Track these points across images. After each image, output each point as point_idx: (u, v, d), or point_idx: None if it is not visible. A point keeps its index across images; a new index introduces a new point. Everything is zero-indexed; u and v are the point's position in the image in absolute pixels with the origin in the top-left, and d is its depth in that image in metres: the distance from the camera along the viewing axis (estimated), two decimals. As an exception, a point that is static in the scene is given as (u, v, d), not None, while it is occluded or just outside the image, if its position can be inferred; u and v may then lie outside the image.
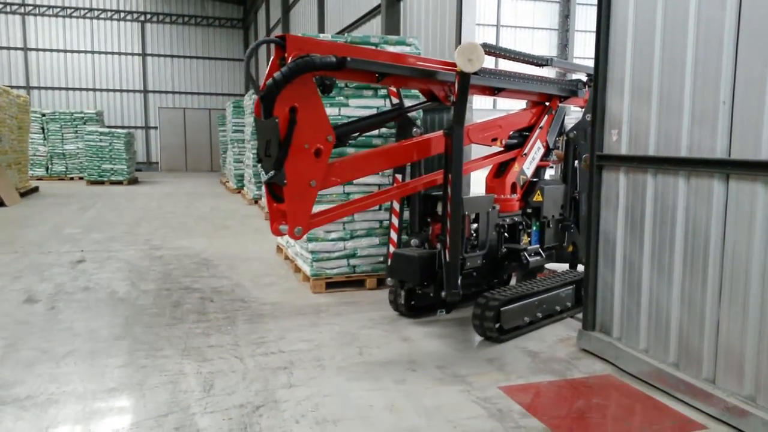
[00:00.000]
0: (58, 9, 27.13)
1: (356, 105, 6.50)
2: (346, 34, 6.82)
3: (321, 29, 14.92)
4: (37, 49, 27.01)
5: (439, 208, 5.20)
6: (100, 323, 5.35)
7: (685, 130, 3.80)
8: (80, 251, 8.70)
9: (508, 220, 5.68)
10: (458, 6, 7.16)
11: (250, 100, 14.68)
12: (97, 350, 4.65)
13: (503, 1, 27.83)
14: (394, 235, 6.25)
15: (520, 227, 5.81)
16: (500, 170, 5.95)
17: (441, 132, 5.05)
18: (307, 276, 6.66)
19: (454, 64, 4.74)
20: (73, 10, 27.34)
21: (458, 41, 7.13)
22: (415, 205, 5.56)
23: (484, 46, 4.94)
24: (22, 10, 26.59)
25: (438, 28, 7.78)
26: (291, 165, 4.07)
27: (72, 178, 22.39)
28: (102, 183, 20.30)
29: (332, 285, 6.56)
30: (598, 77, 4.51)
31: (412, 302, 5.62)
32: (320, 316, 5.62)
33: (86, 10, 27.53)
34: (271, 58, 4.15)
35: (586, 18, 28.08)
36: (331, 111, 6.44)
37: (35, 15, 26.85)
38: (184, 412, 3.60)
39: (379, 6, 10.05)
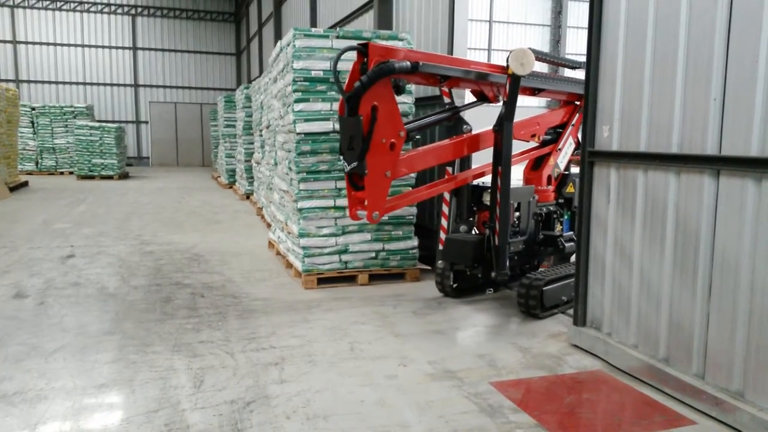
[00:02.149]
0: (48, 2, 26.86)
1: (348, 100, 6.48)
2: (338, 29, 6.79)
3: (313, 23, 14.85)
4: (26, 42, 26.74)
5: (484, 198, 5.95)
6: (89, 319, 5.32)
7: (676, 127, 3.82)
8: (70, 246, 8.64)
9: (544, 209, 6.30)
10: (451, 1, 7.14)
11: (242, 95, 14.62)
12: (87, 346, 4.63)
13: (496, -3, 27.79)
14: (444, 222, 6.50)
15: (555, 216, 6.43)
16: (537, 164, 6.59)
17: (490, 129, 5.60)
18: (298, 272, 6.64)
19: (502, 68, 5.52)
20: (63, 3, 27.08)
21: (450, 36, 7.13)
22: (463, 196, 6.06)
23: (532, 51, 5.45)
24: (11, 2, 26.30)
25: (431, 23, 7.76)
26: (371, 157, 4.75)
27: (62, 173, 22.23)
28: (92, 178, 20.17)
29: (324, 281, 6.55)
30: (590, 73, 4.52)
31: (455, 284, 6.17)
32: (312, 312, 5.61)
33: (76, 3, 27.28)
34: (353, 63, 4.84)
35: (578, 14, 28.15)
36: (322, 106, 6.43)
37: (24, 8, 26.57)
38: (175, 408, 3.58)
39: (371, 1, 10.01)
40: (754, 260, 3.33)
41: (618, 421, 3.58)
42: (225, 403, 3.67)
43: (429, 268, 7.34)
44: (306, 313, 5.59)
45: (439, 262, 6.15)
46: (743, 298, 3.40)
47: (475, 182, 6.08)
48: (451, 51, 7.10)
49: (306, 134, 6.42)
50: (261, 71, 21.76)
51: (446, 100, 6.16)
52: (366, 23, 10.71)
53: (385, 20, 9.35)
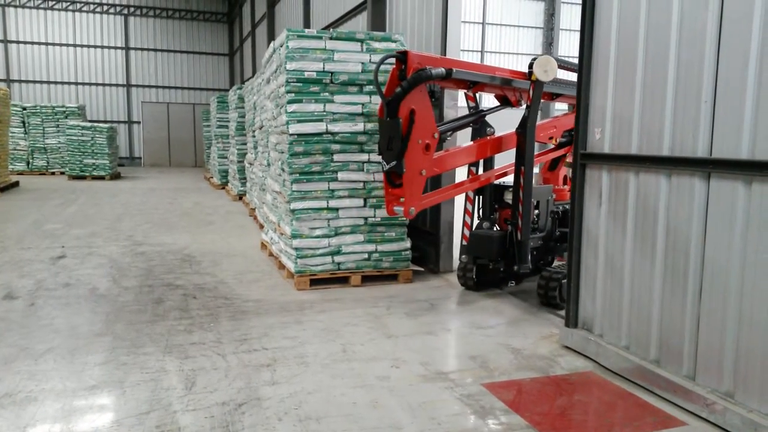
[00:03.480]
0: (40, 1, 26.68)
1: (341, 101, 6.48)
2: (332, 30, 6.79)
3: (306, 24, 14.83)
4: (17, 42, 26.55)
5: (506, 196, 6.30)
6: (80, 320, 5.29)
7: (667, 129, 3.84)
8: (61, 247, 8.59)
9: (560, 208, 6.56)
10: (444, 3, 7.15)
11: (234, 96, 14.58)
12: (78, 347, 4.60)
13: (489, -1, 27.86)
14: (468, 219, 6.79)
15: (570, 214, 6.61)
16: (553, 164, 7.21)
17: (512, 131, 6.04)
18: (291, 273, 6.63)
19: (524, 74, 6.06)
20: (54, 2, 26.91)
21: (443, 38, 7.14)
22: (486, 194, 6.42)
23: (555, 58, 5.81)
24: (2, 1, 26.12)
25: (424, 25, 7.77)
26: (408, 157, 5.20)
27: (53, 173, 22.09)
28: (84, 178, 20.05)
29: (316, 282, 6.54)
30: (582, 75, 4.53)
31: (477, 278, 6.48)
32: (304, 313, 5.60)
33: (68, 3, 27.12)
34: (391, 69, 5.35)
35: (571, 17, 28.23)
36: (315, 107, 6.43)
37: (16, 6, 26.38)
38: (166, 410, 3.56)
39: (364, 2, 10.01)
40: (744, 262, 3.35)
41: (609, 423, 3.59)
42: (217, 404, 3.65)
43: (422, 269, 7.35)
44: (298, 314, 5.58)
45: (463, 256, 6.41)
46: (733, 300, 3.42)
47: (496, 182, 6.45)
48: (444, 53, 7.11)
49: (299, 135, 6.41)
50: (254, 72, 21.70)
51: (471, 104, 6.53)
52: (359, 24, 10.72)
53: (378, 21, 9.36)
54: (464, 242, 6.59)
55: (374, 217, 6.69)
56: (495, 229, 6.35)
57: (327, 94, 6.46)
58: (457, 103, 6.55)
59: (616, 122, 4.29)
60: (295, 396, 3.79)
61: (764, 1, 3.22)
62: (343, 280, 6.66)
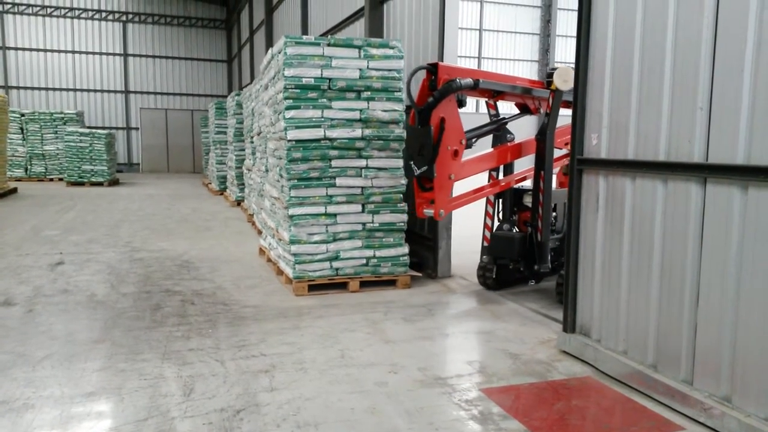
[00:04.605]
0: (38, 8, 26.73)
1: (339, 107, 6.50)
2: (330, 36, 6.82)
3: (305, 31, 14.88)
4: (16, 48, 26.57)
5: (525, 200, 6.64)
6: (78, 326, 5.29)
7: (663, 135, 3.86)
8: (59, 253, 8.58)
9: None
10: (441, 10, 7.19)
11: (233, 102, 14.61)
12: (76, 354, 4.59)
13: (486, 6, 28.01)
14: (489, 222, 7.04)
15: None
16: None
17: (532, 138, 6.43)
18: (289, 278, 6.63)
19: (542, 83, 6.59)
20: (53, 9, 26.95)
21: (441, 44, 7.18)
22: (506, 198, 6.77)
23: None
24: (0, 8, 26.17)
25: (421, 31, 7.80)
26: (439, 162, 5.51)
27: (51, 179, 22.10)
28: (82, 184, 20.05)
29: (315, 287, 6.54)
30: (579, 81, 4.56)
31: (496, 278, 6.72)
32: (302, 319, 5.60)
33: (67, 9, 27.16)
34: (421, 79, 5.69)
35: (567, 23, 28.37)
36: (313, 113, 6.45)
37: (14, 13, 26.42)
38: (164, 417, 3.56)
39: (362, 9, 10.05)
40: (740, 267, 3.36)
41: (607, 428, 3.59)
42: (215, 411, 3.65)
43: (419, 274, 7.35)
44: (297, 320, 5.58)
45: (484, 257, 6.81)
46: (730, 305, 3.43)
47: (516, 186, 6.82)
48: (441, 59, 7.14)
49: (297, 141, 6.43)
50: (252, 78, 21.75)
51: (492, 112, 6.83)
52: (357, 31, 10.76)
53: (376, 28, 9.40)
54: (485, 243, 6.92)
55: (372, 222, 6.70)
56: (515, 230, 6.70)
57: (325, 100, 6.48)
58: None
59: (612, 128, 4.31)
60: (294, 402, 3.79)
61: (758, 7, 3.24)
62: (341, 286, 6.66)
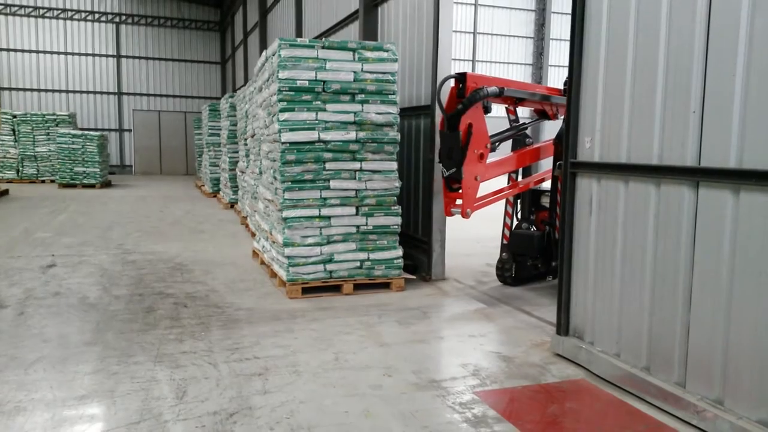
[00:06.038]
0: (30, 9, 26.59)
1: (333, 110, 6.50)
2: (324, 39, 6.82)
3: (299, 33, 14.87)
4: (8, 50, 26.42)
5: (542, 200, 7.11)
6: (70, 329, 5.25)
7: (656, 139, 3.88)
8: (51, 255, 8.53)
9: None
10: (435, 13, 7.20)
11: (226, 104, 14.57)
12: (68, 357, 4.57)
13: (480, 9, 28.10)
14: (508, 221, 7.39)
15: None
16: None
17: (550, 142, 6.97)
18: (283, 281, 6.62)
19: (560, 91, 7.06)
20: (45, 10, 26.83)
21: (435, 47, 7.19)
22: (525, 198, 7.14)
23: None
24: (-8, 9, 26.04)
25: (415, 34, 7.82)
26: (466, 165, 5.82)
27: (43, 181, 21.97)
28: (74, 186, 19.94)
29: (308, 290, 6.53)
30: (572, 84, 4.58)
31: (514, 275, 7.08)
32: (296, 322, 5.59)
33: (59, 11, 27.04)
34: (450, 87, 6.04)
35: (561, 27, 28.49)
36: (307, 115, 6.44)
37: (6, 14, 26.28)
38: (157, 420, 3.54)
39: (356, 11, 10.05)
40: (732, 270, 3.38)
41: (600, 430, 3.60)
42: (208, 414, 3.64)
43: (413, 277, 7.36)
44: (290, 323, 5.56)
45: (503, 254, 7.15)
46: (722, 308, 3.44)
47: (534, 187, 7.17)
48: (435, 62, 7.16)
49: (291, 144, 6.42)
50: (246, 80, 21.71)
51: (512, 117, 7.11)
52: (351, 34, 10.76)
53: (370, 31, 9.40)
54: (504, 241, 7.29)
55: (366, 225, 6.70)
56: (533, 229, 7.04)
57: (319, 102, 6.48)
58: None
59: (605, 131, 4.32)
60: (287, 405, 3.78)
61: (750, 12, 3.27)
62: (335, 289, 6.65)
